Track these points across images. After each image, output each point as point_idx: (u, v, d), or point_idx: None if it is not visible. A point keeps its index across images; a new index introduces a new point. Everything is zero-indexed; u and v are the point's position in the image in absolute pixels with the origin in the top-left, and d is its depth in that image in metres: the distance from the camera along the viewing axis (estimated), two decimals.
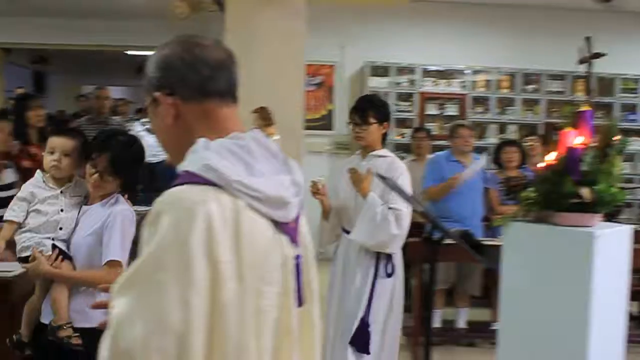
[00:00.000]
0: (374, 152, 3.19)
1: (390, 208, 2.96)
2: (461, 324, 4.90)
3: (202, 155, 1.10)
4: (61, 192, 2.52)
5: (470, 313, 4.94)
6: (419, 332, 4.24)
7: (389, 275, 3.09)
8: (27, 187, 2.52)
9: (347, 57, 7.44)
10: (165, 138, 1.26)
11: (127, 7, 7.90)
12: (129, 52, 10.37)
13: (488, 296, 4.87)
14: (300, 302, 1.22)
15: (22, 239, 2.49)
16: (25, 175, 4.19)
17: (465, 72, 7.69)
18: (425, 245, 2.62)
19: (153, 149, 7.71)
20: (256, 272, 1.09)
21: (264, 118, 4.26)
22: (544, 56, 7.36)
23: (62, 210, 2.49)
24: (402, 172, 3.09)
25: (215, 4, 4.33)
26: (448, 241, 2.52)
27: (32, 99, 4.81)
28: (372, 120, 3.12)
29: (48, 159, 2.50)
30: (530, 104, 7.80)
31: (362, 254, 3.10)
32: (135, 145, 2.64)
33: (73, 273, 2.44)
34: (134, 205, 5.70)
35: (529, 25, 7.49)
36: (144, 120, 8.17)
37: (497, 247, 2.67)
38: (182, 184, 1.08)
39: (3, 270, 3.14)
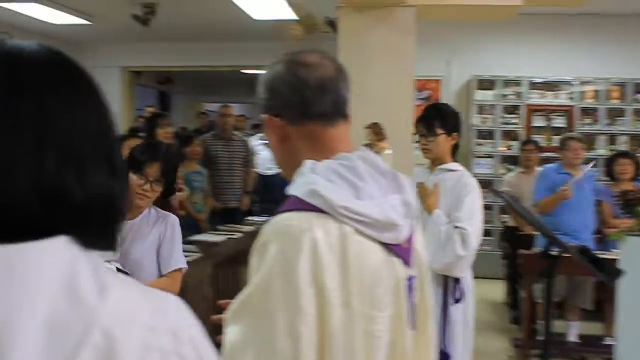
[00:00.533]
0: (442, 166, 2.87)
1: (456, 227, 2.64)
2: (572, 337, 4.78)
3: (308, 179, 1.08)
4: None
5: (581, 327, 4.81)
6: (529, 344, 4.22)
7: (457, 301, 2.76)
8: None
9: (454, 71, 7.47)
10: (277, 156, 1.27)
11: (244, 30, 8.30)
12: (245, 72, 10.87)
13: (601, 310, 4.73)
14: (414, 324, 1.18)
15: None
16: None
17: (573, 83, 7.50)
18: (542, 260, 2.52)
19: (267, 163, 8.13)
20: (365, 297, 1.06)
21: (377, 133, 4.41)
22: None
23: None
24: (472, 189, 2.75)
25: (328, 26, 4.55)
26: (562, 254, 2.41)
27: (161, 117, 5.05)
28: (439, 131, 2.82)
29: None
30: None
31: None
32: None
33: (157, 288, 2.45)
34: (251, 216, 6.00)
35: (639, 34, 7.19)
36: (260, 135, 8.58)
37: (613, 261, 2.63)
38: (288, 210, 1.08)
39: None
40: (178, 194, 4.80)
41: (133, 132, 5.30)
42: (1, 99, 0.59)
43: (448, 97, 7.53)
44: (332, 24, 4.58)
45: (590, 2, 4.95)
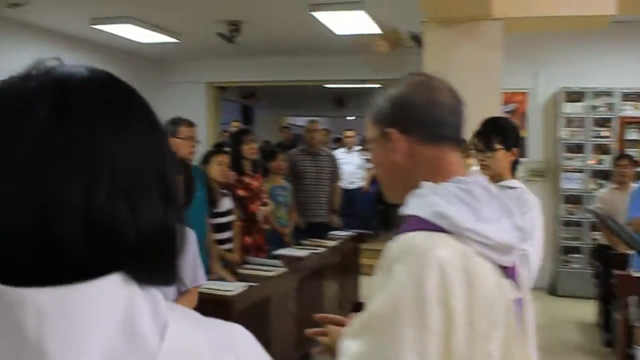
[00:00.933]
0: (502, 183, 2.66)
1: None
2: None
3: (430, 200, 1.10)
4: None
5: None
6: None
7: None
8: None
9: (541, 84, 7.22)
10: (386, 173, 1.27)
11: (326, 45, 8.39)
12: (327, 86, 10.94)
13: None
14: (521, 345, 1.19)
15: None
16: (240, 202, 4.59)
17: None
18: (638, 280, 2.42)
19: (351, 176, 8.13)
20: (485, 317, 1.07)
21: (463, 150, 4.28)
22: None
23: None
24: (532, 206, 2.59)
25: (413, 41, 4.50)
26: None
27: (246, 133, 5.10)
28: (497, 146, 2.67)
29: None
30: None
31: None
32: (191, 169, 2.63)
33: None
34: (334, 231, 5.95)
35: None
36: (343, 149, 8.60)
37: None
38: (412, 230, 1.09)
39: (224, 289, 3.41)
40: (263, 208, 4.86)
41: (219, 147, 5.42)
42: (53, 120, 0.57)
43: (535, 109, 7.29)
44: (417, 39, 4.53)
45: None
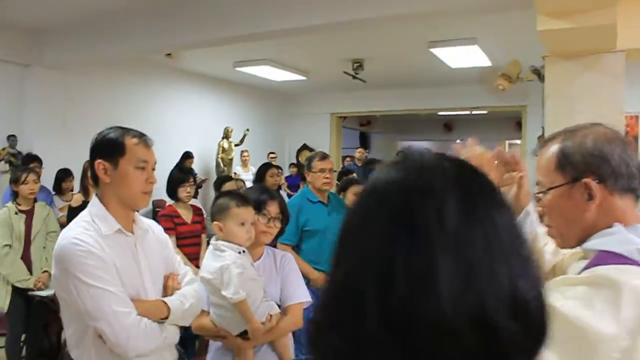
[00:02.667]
0: None
1: None
2: None
3: (626, 237, 1.13)
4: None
5: None
6: None
7: None
8: (235, 261, 2.15)
9: None
10: (566, 220, 1.28)
11: (440, 77, 8.60)
12: (440, 113, 11.12)
13: None
14: None
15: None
16: None
17: None
18: None
19: None
20: None
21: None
22: None
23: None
24: None
25: (534, 75, 4.61)
26: None
27: (375, 162, 5.37)
28: None
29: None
30: None
31: None
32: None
33: (284, 325, 2.28)
34: None
35: None
36: None
37: None
38: (606, 263, 1.11)
39: None
40: None
41: (348, 174, 5.80)
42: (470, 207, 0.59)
43: None
44: (539, 74, 4.63)
45: None
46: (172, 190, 4.32)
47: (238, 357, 2.22)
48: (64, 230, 1.77)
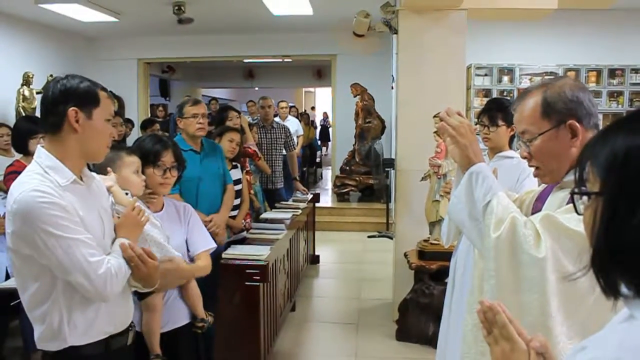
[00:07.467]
0: (501, 153, 2.95)
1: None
2: None
3: None
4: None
5: None
6: None
7: None
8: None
9: None
10: (556, 159, 1.42)
11: (260, 24, 8.39)
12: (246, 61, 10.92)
13: None
14: None
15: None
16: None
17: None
18: None
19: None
20: None
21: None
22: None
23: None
24: (528, 174, 2.60)
25: (385, 26, 4.75)
26: None
27: (229, 110, 4.94)
28: (500, 122, 2.93)
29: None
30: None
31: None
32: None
33: (193, 267, 2.29)
34: None
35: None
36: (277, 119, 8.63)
37: None
38: None
39: (256, 254, 3.47)
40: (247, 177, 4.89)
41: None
42: None
43: None
44: (387, 24, 4.79)
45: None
46: (22, 143, 3.63)
47: (147, 311, 2.17)
48: (16, 184, 1.60)
